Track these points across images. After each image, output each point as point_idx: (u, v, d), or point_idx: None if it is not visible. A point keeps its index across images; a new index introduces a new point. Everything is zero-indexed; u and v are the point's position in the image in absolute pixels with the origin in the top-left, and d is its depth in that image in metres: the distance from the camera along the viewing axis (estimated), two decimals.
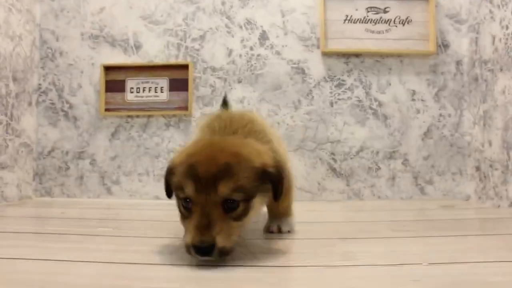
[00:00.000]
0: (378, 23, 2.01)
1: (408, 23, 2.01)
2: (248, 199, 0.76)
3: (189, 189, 0.74)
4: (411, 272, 0.71)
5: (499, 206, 1.74)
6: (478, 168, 1.93)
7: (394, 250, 0.90)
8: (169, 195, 0.86)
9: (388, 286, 0.64)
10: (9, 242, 1.01)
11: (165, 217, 1.44)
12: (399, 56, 2.01)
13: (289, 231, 1.07)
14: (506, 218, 1.46)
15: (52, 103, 2.08)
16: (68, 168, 2.06)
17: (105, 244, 0.97)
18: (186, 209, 0.76)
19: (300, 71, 2.01)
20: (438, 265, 0.76)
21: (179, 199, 0.78)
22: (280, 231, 1.06)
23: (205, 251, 0.70)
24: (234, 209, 0.74)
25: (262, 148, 0.85)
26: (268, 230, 1.08)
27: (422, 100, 2.01)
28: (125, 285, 0.65)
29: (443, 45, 2.02)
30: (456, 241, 1.01)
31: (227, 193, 0.73)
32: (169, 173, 0.82)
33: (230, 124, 0.94)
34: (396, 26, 2.01)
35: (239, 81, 2.01)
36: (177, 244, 0.89)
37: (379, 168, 1.99)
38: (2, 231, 1.17)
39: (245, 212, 0.76)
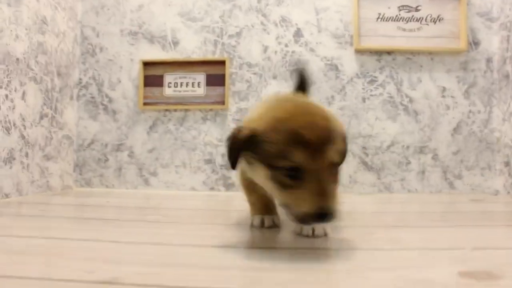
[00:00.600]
0: (410, 21, 2.06)
1: (439, 21, 2.06)
2: (341, 162, 0.77)
3: (299, 157, 0.70)
4: (459, 255, 0.77)
5: None
6: (507, 164, 1.98)
7: (436, 237, 0.96)
8: (234, 166, 0.80)
9: (445, 265, 0.70)
10: (70, 226, 1.08)
11: (204, 206, 1.53)
12: (430, 53, 2.06)
13: (325, 235, 0.91)
14: None
15: (92, 97, 2.16)
16: (107, 160, 2.14)
17: (161, 229, 1.04)
18: (291, 178, 0.71)
19: (333, 67, 2.07)
20: (481, 250, 0.82)
21: (275, 168, 0.73)
22: (313, 235, 0.90)
23: (329, 217, 0.69)
24: (336, 172, 0.75)
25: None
26: (301, 234, 0.92)
27: (452, 97, 2.06)
28: (192, 263, 0.72)
29: (473, 43, 2.07)
30: (490, 231, 1.07)
31: (334, 157, 0.72)
32: (252, 142, 0.75)
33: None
34: (427, 24, 2.06)
35: (274, 77, 2.07)
36: (233, 227, 0.96)
37: (409, 162, 2.04)
38: (61, 216, 1.25)
39: (339, 173, 0.78)
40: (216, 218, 1.24)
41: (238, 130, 0.79)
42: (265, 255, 0.76)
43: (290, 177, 0.71)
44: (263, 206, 1.04)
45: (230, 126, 2.07)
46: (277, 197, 0.76)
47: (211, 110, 2.09)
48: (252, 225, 1.04)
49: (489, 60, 2.06)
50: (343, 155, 0.77)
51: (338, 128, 0.77)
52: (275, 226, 1.03)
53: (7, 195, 1.67)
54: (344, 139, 0.79)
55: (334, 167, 0.74)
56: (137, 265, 0.68)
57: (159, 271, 0.65)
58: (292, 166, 0.71)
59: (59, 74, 2.01)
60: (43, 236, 0.92)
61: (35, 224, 1.10)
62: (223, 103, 2.07)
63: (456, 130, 2.06)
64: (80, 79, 2.16)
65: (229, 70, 2.08)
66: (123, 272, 0.63)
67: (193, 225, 1.11)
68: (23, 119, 1.77)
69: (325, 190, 0.69)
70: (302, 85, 1.28)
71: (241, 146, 0.76)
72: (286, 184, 0.72)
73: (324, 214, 0.68)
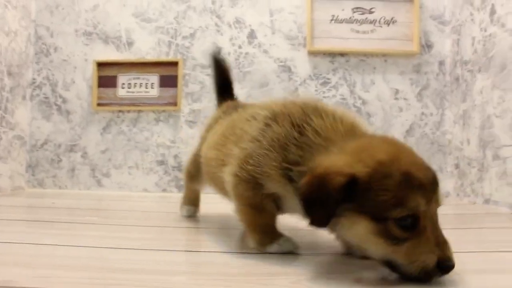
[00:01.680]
0: (364, 23, 2.07)
1: (393, 23, 2.07)
2: None
3: (419, 202, 0.59)
4: None
5: (474, 203, 1.80)
6: (457, 166, 1.99)
7: None
8: (328, 222, 0.63)
9: None
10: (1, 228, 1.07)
11: (154, 208, 1.53)
12: (384, 55, 2.07)
13: None
14: (479, 214, 1.52)
15: (46, 97, 2.14)
16: (60, 161, 2.12)
17: (97, 231, 1.03)
18: (404, 230, 0.60)
19: (286, 69, 2.07)
20: None
21: (385, 220, 0.60)
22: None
23: (452, 268, 0.60)
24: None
25: None
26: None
27: (405, 99, 2.07)
28: (108, 266, 0.71)
29: (427, 46, 2.08)
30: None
31: (442, 199, 0.64)
32: (352, 190, 0.60)
33: (335, 123, 0.73)
34: (381, 26, 2.07)
35: None
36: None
37: None
38: None
39: None
40: (161, 220, 1.24)
41: (326, 175, 0.61)
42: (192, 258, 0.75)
43: (404, 228, 0.60)
44: (192, 199, 1.29)
45: (183, 128, 2.07)
46: (383, 253, 0.62)
47: (164, 111, 2.08)
48: (181, 214, 1.28)
49: (441, 63, 2.07)
50: None
51: None
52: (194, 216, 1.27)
53: None
54: None
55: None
56: (42, 267, 0.67)
57: (61, 274, 0.64)
58: (408, 215, 0.59)
59: (9, 74, 2.00)
60: None
61: None
62: (176, 104, 2.06)
63: (408, 132, 2.06)
64: (34, 79, 2.15)
65: (182, 71, 2.07)
66: (20, 275, 0.62)
67: (134, 227, 1.10)
68: None
69: (443, 237, 0.61)
70: (222, 74, 1.26)
71: (339, 196, 0.60)
72: (398, 237, 0.60)
73: (449, 265, 0.59)
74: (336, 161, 0.63)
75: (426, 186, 0.60)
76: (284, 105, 0.80)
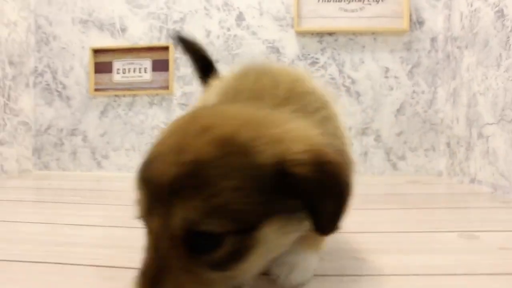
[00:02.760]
0: (352, 1, 2.04)
1: (382, 0, 2.03)
2: (243, 229, 0.40)
3: (141, 206, 0.43)
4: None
5: (462, 182, 1.78)
6: (448, 145, 1.96)
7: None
8: None
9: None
10: None
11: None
12: (373, 34, 2.04)
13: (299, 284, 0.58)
14: (456, 194, 1.52)
15: (48, 84, 2.25)
16: (62, 144, 2.24)
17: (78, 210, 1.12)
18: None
19: (275, 50, 2.08)
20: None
21: None
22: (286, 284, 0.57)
23: None
24: (210, 248, 0.40)
25: (297, 126, 0.46)
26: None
27: (396, 77, 2.04)
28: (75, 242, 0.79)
29: (418, 22, 2.03)
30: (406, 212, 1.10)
31: (191, 219, 0.38)
32: None
33: (263, 87, 0.55)
34: (370, 4, 2.03)
35: (217, 61, 2.10)
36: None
37: (351, 144, 2.04)
38: None
39: (237, 255, 0.41)
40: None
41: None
42: None
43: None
44: None
45: (175, 111, 2.13)
46: None
47: (157, 95, 2.15)
48: None
49: (433, 40, 2.03)
50: (251, 211, 0.40)
51: (244, 158, 0.40)
52: None
53: None
54: (270, 177, 0.41)
55: (204, 237, 0.39)
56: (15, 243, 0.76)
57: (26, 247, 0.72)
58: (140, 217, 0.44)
59: (11, 63, 2.10)
60: None
61: None
62: (167, 88, 2.12)
63: (399, 111, 2.04)
64: (36, 67, 2.25)
65: (173, 55, 2.12)
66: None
67: (114, 206, 1.19)
68: None
69: (154, 272, 0.39)
70: (197, 54, 1.12)
71: None
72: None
73: None
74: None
75: (155, 189, 0.40)
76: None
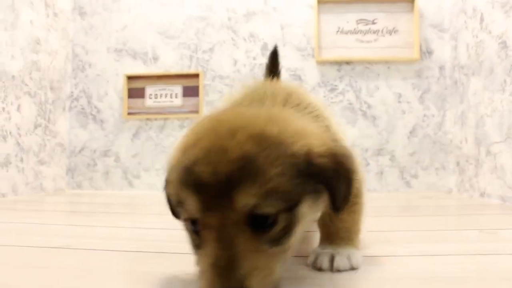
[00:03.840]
0: (367, 33, 2.25)
1: (394, 32, 2.24)
2: (289, 207, 0.48)
3: (192, 206, 0.47)
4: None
5: (472, 196, 1.95)
6: (458, 164, 2.14)
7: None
8: (175, 214, 0.58)
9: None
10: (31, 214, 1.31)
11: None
12: (387, 62, 2.24)
13: (352, 268, 0.65)
14: (468, 205, 1.68)
15: (82, 108, 2.41)
16: (95, 165, 2.38)
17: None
18: (196, 234, 0.50)
19: (297, 77, 2.26)
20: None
21: (183, 220, 0.52)
22: (332, 268, 0.64)
23: None
24: (269, 227, 0.47)
25: (307, 124, 0.56)
26: (315, 266, 0.66)
27: (408, 102, 2.23)
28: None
29: (427, 52, 2.24)
30: (426, 220, 1.25)
31: (252, 204, 0.45)
32: (166, 183, 0.56)
33: (263, 96, 0.64)
34: (383, 35, 2.24)
35: None
36: None
37: (368, 164, 2.22)
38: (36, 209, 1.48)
39: (287, 229, 0.49)
40: None
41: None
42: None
43: (194, 232, 0.50)
44: None
45: None
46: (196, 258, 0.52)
47: (187, 118, 2.31)
48: None
49: (441, 68, 2.23)
50: (293, 192, 0.48)
51: (281, 150, 0.48)
52: None
53: (3, 195, 1.91)
54: (302, 165, 0.49)
55: (262, 217, 0.47)
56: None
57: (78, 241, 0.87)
58: (190, 219, 0.50)
59: (51, 88, 2.27)
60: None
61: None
62: (197, 112, 2.29)
63: (412, 133, 2.22)
64: (72, 92, 2.42)
65: (203, 82, 2.30)
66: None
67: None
68: (19, 128, 2.02)
69: (227, 260, 0.45)
70: (273, 64, 1.15)
71: (165, 189, 0.58)
72: (195, 241, 0.51)
73: None
74: (176, 149, 0.57)
75: (208, 187, 0.45)
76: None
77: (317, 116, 0.64)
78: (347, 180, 0.52)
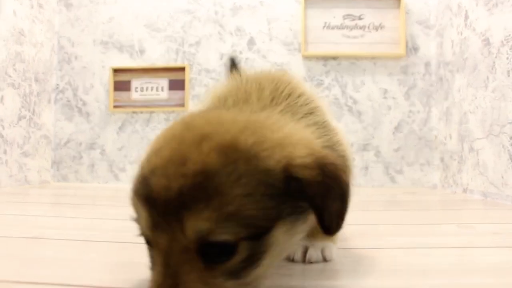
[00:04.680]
0: (354, 29, 2.25)
1: (381, 28, 2.24)
2: (257, 234, 0.40)
3: (142, 221, 0.41)
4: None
5: (455, 192, 1.96)
6: (442, 159, 2.14)
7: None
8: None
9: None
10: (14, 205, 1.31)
11: None
12: (373, 58, 2.24)
13: (324, 260, 0.65)
14: (450, 200, 1.69)
15: (68, 101, 2.40)
16: (81, 157, 2.37)
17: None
18: (150, 254, 0.44)
19: None
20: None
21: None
22: (304, 259, 0.64)
23: None
24: (225, 257, 0.40)
25: (295, 129, 0.48)
26: (287, 257, 0.65)
27: (393, 98, 2.23)
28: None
29: (413, 48, 2.24)
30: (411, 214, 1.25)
31: (205, 230, 0.38)
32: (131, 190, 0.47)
33: (249, 91, 0.57)
34: (370, 31, 2.24)
35: None
36: None
37: (353, 159, 2.22)
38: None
39: (251, 261, 0.41)
40: None
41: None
42: None
43: (149, 251, 0.45)
44: None
45: None
46: None
47: (173, 112, 2.31)
48: None
49: (427, 64, 2.23)
50: (262, 216, 0.40)
51: (251, 164, 0.40)
52: None
53: None
54: (277, 182, 0.41)
55: (217, 246, 0.39)
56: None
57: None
58: (142, 234, 0.43)
59: (36, 80, 2.25)
60: None
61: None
62: (183, 105, 2.29)
63: (397, 128, 2.23)
64: (57, 84, 2.40)
65: (189, 75, 2.29)
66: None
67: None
68: (2, 120, 2.01)
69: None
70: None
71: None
72: (149, 258, 0.45)
73: None
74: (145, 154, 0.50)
75: (159, 203, 0.39)
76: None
77: (311, 110, 0.57)
78: (340, 196, 0.44)
